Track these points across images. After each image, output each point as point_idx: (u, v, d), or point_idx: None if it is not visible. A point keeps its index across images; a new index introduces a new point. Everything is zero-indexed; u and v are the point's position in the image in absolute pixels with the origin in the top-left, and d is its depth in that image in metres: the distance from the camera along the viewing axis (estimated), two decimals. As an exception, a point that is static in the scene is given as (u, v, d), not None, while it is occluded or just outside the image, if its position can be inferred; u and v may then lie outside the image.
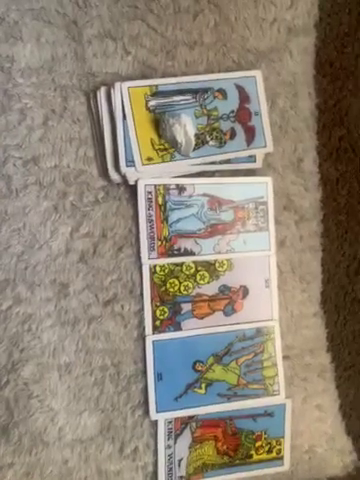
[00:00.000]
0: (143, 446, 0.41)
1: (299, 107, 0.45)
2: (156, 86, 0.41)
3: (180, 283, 0.41)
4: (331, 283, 0.63)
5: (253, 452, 0.42)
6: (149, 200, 0.40)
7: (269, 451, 0.43)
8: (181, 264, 0.41)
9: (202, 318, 0.41)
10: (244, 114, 0.42)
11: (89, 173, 0.40)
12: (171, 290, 0.41)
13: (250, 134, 0.42)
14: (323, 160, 0.48)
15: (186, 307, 0.41)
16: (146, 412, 0.40)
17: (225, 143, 0.42)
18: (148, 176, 0.40)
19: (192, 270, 0.41)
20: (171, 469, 0.41)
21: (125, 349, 0.40)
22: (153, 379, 0.40)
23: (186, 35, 0.42)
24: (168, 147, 0.40)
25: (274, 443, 0.43)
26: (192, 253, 0.41)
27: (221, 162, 0.42)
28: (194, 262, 0.41)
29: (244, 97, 0.42)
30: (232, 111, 0.42)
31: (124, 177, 0.40)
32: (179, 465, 0.41)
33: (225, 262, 0.42)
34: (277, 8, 0.43)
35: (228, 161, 0.42)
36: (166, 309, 0.41)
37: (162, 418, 0.40)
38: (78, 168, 0.40)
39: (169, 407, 0.40)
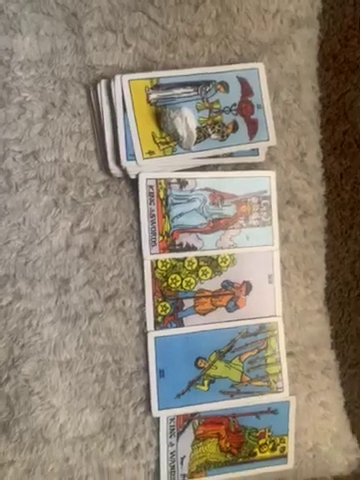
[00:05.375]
0: (145, 444, 0.40)
1: (302, 100, 0.44)
2: (157, 79, 0.40)
3: (182, 279, 0.40)
4: (335, 279, 0.62)
5: (257, 450, 0.42)
6: (150, 194, 0.40)
7: (273, 449, 0.42)
8: (183, 259, 0.40)
9: (204, 314, 0.41)
10: (247, 107, 0.42)
11: (89, 167, 0.40)
12: (173, 286, 0.40)
13: (253, 127, 0.42)
14: (327, 154, 0.48)
15: (188, 303, 0.41)
16: (148, 409, 0.40)
17: (227, 136, 0.41)
18: (149, 170, 0.40)
19: (194, 265, 0.41)
20: (173, 467, 0.40)
21: (127, 345, 0.40)
22: (155, 376, 0.40)
23: (187, 27, 0.41)
24: (169, 140, 0.40)
25: (278, 441, 0.42)
26: (194, 248, 0.41)
27: (223, 156, 0.41)
28: (196, 257, 0.41)
29: (246, 90, 0.42)
30: (234, 104, 0.41)
31: (125, 171, 0.40)
32: (181, 463, 0.40)
33: (228, 257, 0.41)
34: (280, -1, 0.43)
35: (230, 155, 0.41)
36: (168, 305, 0.40)
37: (164, 415, 0.40)
38: (78, 162, 0.40)
39: (171, 404, 0.40)
